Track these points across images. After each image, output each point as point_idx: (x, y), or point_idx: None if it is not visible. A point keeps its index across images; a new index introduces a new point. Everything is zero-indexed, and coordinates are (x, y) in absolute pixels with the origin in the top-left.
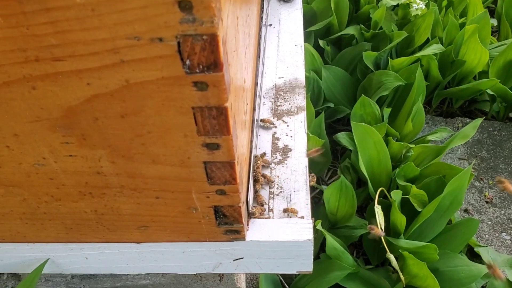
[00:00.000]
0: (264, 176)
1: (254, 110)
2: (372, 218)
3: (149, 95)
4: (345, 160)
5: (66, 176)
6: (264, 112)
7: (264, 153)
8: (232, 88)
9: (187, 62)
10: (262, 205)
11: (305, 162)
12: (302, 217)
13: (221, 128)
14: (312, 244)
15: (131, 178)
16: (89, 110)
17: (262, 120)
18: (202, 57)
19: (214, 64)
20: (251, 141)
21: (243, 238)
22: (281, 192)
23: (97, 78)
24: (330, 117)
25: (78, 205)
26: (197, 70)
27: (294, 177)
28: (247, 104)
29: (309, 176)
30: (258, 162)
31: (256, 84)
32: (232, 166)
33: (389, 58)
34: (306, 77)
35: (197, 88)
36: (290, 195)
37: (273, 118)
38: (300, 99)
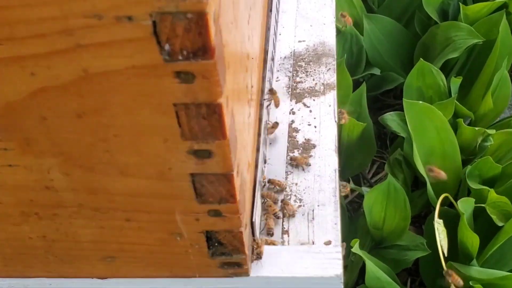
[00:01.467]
0: (276, 183)
1: (262, 91)
2: (431, 234)
3: (116, 88)
4: (396, 150)
5: (4, 192)
6: (278, 91)
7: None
8: (229, 76)
9: (166, 47)
10: (272, 228)
11: (334, 163)
12: (329, 243)
13: (214, 130)
14: (342, 281)
15: (92, 194)
16: (34, 108)
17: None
18: (186, 41)
19: (203, 49)
20: (258, 138)
21: (247, 273)
22: (300, 206)
23: (44, 67)
24: (375, 88)
25: (21, 229)
26: (180, 57)
27: (318, 185)
28: (252, 86)
29: (340, 184)
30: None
31: (265, 51)
32: (229, 179)
33: (460, 4)
34: (341, 32)
35: (180, 79)
36: (313, 211)
37: (290, 100)
38: (329, 74)
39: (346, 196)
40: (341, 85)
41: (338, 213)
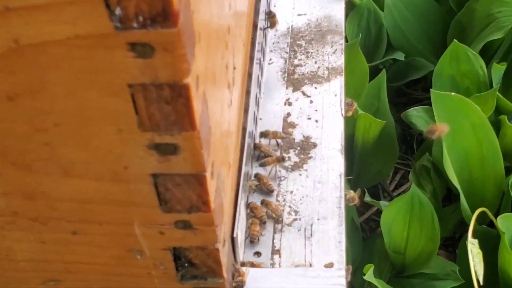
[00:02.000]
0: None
1: (249, 76)
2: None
3: (55, 64)
4: (423, 155)
5: None
6: (271, 77)
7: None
8: (200, 51)
9: (117, 11)
10: (255, 236)
11: (339, 167)
12: (330, 265)
13: (180, 118)
14: None
15: (30, 200)
16: None
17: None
18: (143, 3)
19: (163, 15)
20: (243, 133)
21: None
22: (295, 220)
23: None
24: (398, 78)
25: None
26: (135, 25)
27: (319, 194)
28: (234, 68)
29: (347, 192)
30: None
31: (254, 25)
32: (201, 181)
33: None
34: (356, 6)
35: (135, 53)
36: (311, 225)
37: (286, 88)
38: (336, 55)
39: (359, 212)
40: (354, 73)
41: (343, 228)
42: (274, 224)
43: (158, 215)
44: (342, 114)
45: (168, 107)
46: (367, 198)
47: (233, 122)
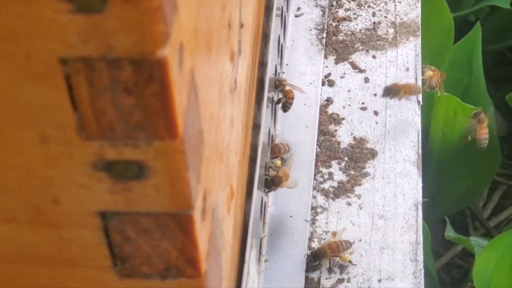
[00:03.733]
0: None
1: (265, 36)
2: None
3: None
4: None
5: None
6: (300, 38)
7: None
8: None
9: None
10: None
11: (415, 191)
12: None
13: (151, 118)
14: None
15: None
16: None
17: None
18: None
19: None
20: (254, 134)
21: None
22: (340, 281)
23: None
24: (499, 37)
25: None
26: None
27: (381, 237)
28: (241, 26)
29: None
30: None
31: None
32: (185, 225)
33: None
34: None
35: (74, 4)
36: None
37: (325, 57)
38: (407, 2)
39: (435, 252)
40: (430, 29)
41: None
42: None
43: (111, 283)
44: (418, 102)
45: (129, 99)
46: (449, 233)
47: (238, 119)
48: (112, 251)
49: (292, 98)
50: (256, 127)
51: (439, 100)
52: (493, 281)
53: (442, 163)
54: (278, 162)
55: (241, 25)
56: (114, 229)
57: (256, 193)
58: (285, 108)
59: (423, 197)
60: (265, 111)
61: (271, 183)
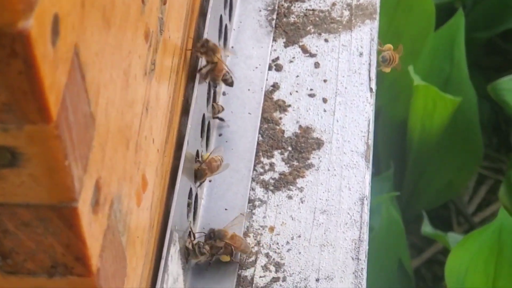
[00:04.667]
0: None
1: (203, 14)
2: None
3: None
4: None
5: None
6: (247, 19)
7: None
8: None
9: None
10: None
11: (361, 185)
12: None
13: (18, 99)
14: None
15: None
16: None
17: None
18: None
19: None
20: (180, 121)
21: None
22: (275, 280)
23: None
24: (487, 25)
25: None
26: None
27: (322, 233)
28: None
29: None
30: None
31: None
32: (69, 219)
33: None
34: None
35: None
36: None
37: (274, 40)
38: None
39: (415, 249)
40: (409, 15)
41: None
42: (236, 287)
43: None
44: (371, 89)
45: None
46: (426, 228)
47: (158, 103)
48: None
49: (221, 71)
50: (186, 113)
51: (417, 90)
52: (467, 279)
53: (421, 156)
54: (206, 154)
55: (164, 2)
56: None
57: (181, 184)
58: (226, 82)
59: (403, 191)
60: (198, 96)
61: (195, 176)
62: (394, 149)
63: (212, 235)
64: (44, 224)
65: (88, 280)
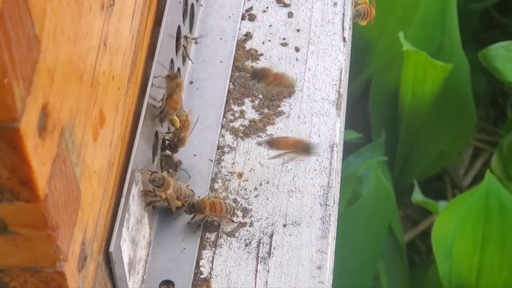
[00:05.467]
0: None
1: None
2: None
3: None
4: None
5: None
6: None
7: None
8: None
9: None
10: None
11: (331, 132)
12: None
13: None
14: None
15: None
16: None
17: None
18: None
19: None
20: (148, 54)
21: None
22: (242, 226)
23: None
24: None
25: None
26: None
27: (290, 180)
28: None
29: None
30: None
31: None
32: (11, 139)
33: None
34: None
35: None
36: (271, 236)
37: None
38: None
39: (409, 221)
40: None
41: (328, 243)
42: (201, 231)
43: None
44: (344, 38)
45: None
46: (417, 196)
47: (118, 40)
48: None
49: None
50: (152, 57)
51: (408, 55)
52: (455, 244)
53: (413, 124)
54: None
55: None
56: None
57: (144, 125)
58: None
59: (395, 159)
60: (165, 40)
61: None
62: (386, 117)
63: (192, 209)
64: None
65: (35, 206)
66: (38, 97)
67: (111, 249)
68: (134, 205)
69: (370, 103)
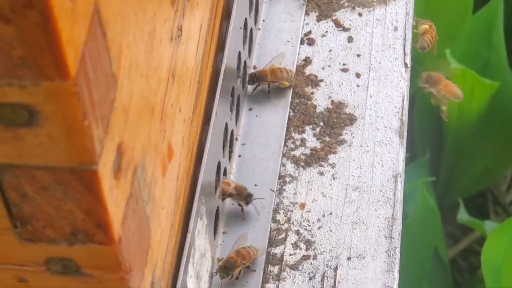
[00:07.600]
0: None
1: None
2: None
3: None
4: None
5: None
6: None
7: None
8: None
9: None
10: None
11: (395, 161)
12: None
13: (36, 54)
14: None
15: None
16: None
17: None
18: None
19: None
20: (210, 85)
21: None
22: (305, 258)
23: None
24: None
25: None
26: None
27: (354, 211)
28: None
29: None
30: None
31: None
32: (89, 183)
33: None
34: None
35: None
36: (335, 270)
37: (306, 14)
38: None
39: (451, 238)
40: None
41: (394, 277)
42: (266, 264)
43: (12, 247)
44: (406, 64)
45: (8, 28)
46: (462, 216)
47: (185, 72)
48: (9, 211)
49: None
50: (215, 85)
51: (455, 74)
52: (504, 267)
53: (458, 142)
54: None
55: None
56: (9, 185)
57: (208, 156)
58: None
59: (439, 177)
60: (227, 68)
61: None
62: (431, 135)
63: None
64: (63, 188)
65: (109, 248)
66: (115, 136)
67: (178, 286)
68: (199, 239)
69: (415, 121)
